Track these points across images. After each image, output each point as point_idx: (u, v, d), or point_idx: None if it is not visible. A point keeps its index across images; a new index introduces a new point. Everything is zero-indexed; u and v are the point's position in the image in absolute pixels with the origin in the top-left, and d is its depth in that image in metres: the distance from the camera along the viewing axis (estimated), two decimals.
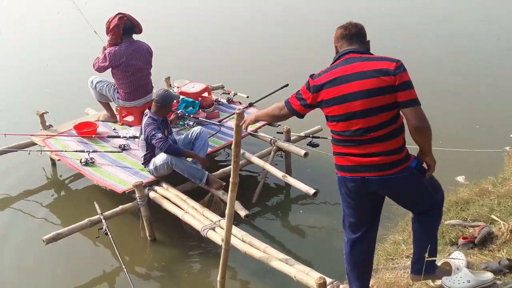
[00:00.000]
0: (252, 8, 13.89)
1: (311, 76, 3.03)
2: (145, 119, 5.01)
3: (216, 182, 5.02)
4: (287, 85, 6.49)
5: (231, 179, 3.63)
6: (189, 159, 5.11)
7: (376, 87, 2.81)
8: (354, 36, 3.02)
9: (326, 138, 5.82)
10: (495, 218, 3.93)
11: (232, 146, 3.53)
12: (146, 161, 5.09)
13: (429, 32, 11.25)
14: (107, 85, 5.99)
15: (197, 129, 5.30)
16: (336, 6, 13.23)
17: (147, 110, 5.12)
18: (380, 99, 2.82)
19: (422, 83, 8.03)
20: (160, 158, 4.96)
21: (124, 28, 5.72)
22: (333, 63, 3.02)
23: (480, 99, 7.70)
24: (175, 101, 5.70)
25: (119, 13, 5.74)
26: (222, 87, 7.08)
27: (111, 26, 5.69)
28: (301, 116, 3.16)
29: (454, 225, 3.98)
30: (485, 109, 7.33)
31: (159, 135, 4.87)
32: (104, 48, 5.87)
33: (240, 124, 3.19)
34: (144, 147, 5.06)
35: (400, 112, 2.90)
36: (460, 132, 6.70)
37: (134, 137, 5.70)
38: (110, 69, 5.82)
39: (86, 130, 5.85)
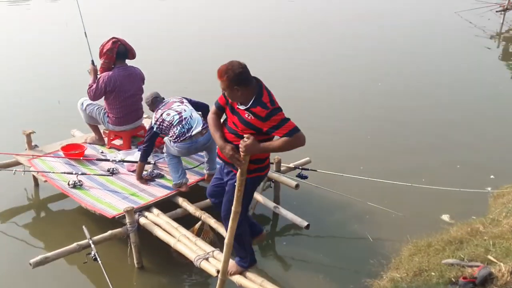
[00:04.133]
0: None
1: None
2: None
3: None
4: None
5: (233, 208, 3.66)
6: None
7: None
8: None
9: (315, 171, 5.88)
10: (492, 259, 3.99)
11: (238, 175, 3.56)
12: None
13: (408, 65, 11.56)
14: (97, 108, 5.90)
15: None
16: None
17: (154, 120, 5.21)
18: None
19: (407, 124, 8.31)
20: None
21: (117, 53, 5.66)
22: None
23: (462, 139, 7.88)
24: None
25: (113, 38, 5.68)
26: None
27: (104, 50, 5.62)
28: None
29: (452, 264, 4.02)
30: (466, 149, 7.52)
31: None
32: (93, 63, 5.77)
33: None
34: None
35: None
36: (442, 171, 6.82)
37: (123, 161, 5.60)
38: None
39: (73, 152, 5.72)
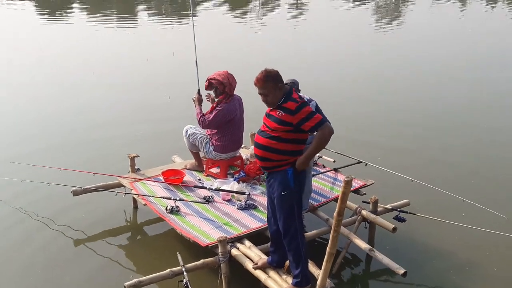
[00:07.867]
0: None
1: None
2: None
3: None
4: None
5: (328, 249, 3.56)
6: None
7: None
8: None
9: (414, 214, 5.61)
10: None
11: (334, 214, 3.47)
12: None
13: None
14: (200, 137, 6.05)
15: None
16: None
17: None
18: None
19: None
20: None
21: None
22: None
23: None
24: None
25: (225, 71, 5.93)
26: None
27: (233, 85, 5.89)
28: None
29: None
30: None
31: None
32: (199, 93, 6.01)
33: None
34: None
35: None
36: None
37: (219, 189, 5.67)
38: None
39: (173, 178, 5.89)
